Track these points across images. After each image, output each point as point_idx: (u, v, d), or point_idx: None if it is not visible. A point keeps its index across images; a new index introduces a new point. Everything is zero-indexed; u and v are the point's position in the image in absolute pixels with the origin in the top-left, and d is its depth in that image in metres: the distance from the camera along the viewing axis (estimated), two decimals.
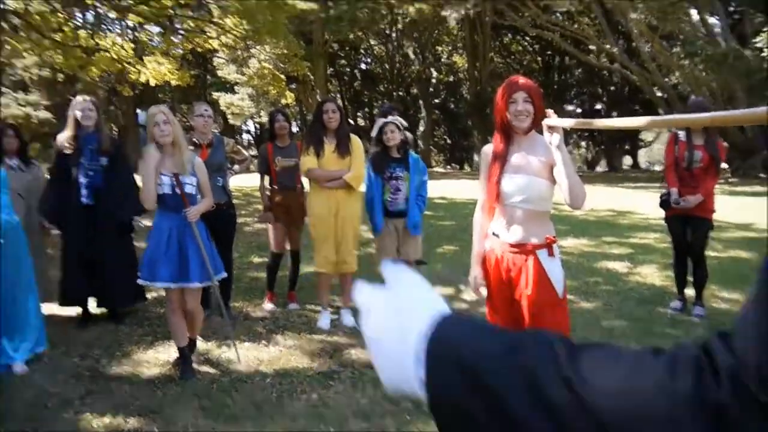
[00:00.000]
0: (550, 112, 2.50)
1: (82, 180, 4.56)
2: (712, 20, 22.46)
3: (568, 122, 2.39)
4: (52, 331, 4.39)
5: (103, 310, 4.95)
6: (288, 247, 5.32)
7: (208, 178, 3.89)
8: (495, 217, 2.80)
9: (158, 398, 3.46)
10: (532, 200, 2.64)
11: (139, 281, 3.73)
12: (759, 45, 16.37)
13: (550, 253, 2.67)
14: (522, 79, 2.70)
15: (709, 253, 5.29)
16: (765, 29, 16.18)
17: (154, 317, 4.98)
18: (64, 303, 4.78)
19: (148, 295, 5.23)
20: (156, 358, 4.05)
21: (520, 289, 2.70)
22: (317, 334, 4.56)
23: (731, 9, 26.11)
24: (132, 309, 5.06)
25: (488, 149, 2.83)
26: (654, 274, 6.41)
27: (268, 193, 5.28)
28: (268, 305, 5.18)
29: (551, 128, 2.46)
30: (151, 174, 3.56)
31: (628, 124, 2.09)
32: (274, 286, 5.32)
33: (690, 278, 5.17)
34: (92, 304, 4.89)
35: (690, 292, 5.19)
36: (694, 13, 21.25)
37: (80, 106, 4.58)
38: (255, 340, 4.39)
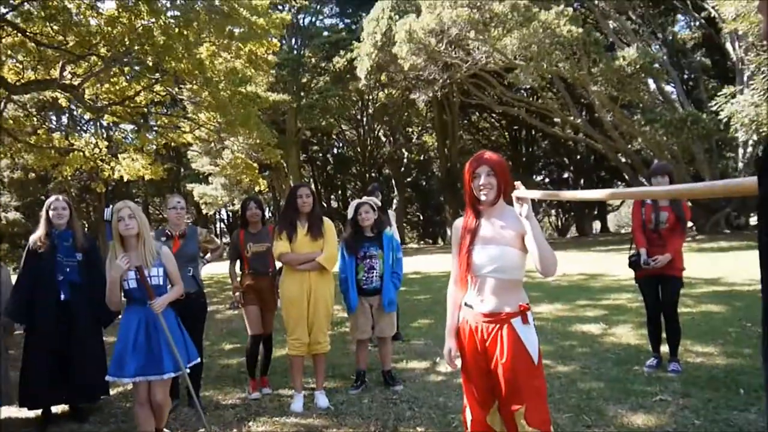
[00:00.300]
0: (518, 184, 2.57)
1: (60, 276, 4.53)
2: (669, 88, 23.51)
3: (536, 194, 2.45)
4: None
5: (65, 408, 4.78)
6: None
7: (176, 267, 3.87)
8: (468, 288, 2.82)
9: None
10: (504, 270, 2.66)
11: (107, 378, 3.67)
12: (714, 108, 17.09)
13: (525, 321, 2.67)
14: (487, 154, 2.77)
15: (681, 309, 5.32)
16: (719, 93, 16.94)
17: (119, 413, 4.81)
18: (28, 405, 4.60)
19: (114, 390, 5.09)
20: None
21: (495, 358, 2.68)
22: (291, 417, 4.44)
23: (685, 77, 27.43)
24: (97, 406, 4.90)
25: (459, 223, 2.88)
26: (629, 334, 6.40)
27: (238, 278, 5.27)
28: (254, 394, 4.98)
29: (520, 200, 2.53)
30: (114, 281, 3.58)
31: (591, 196, 2.19)
32: (255, 372, 5.18)
33: (664, 335, 5.17)
34: (55, 405, 4.72)
35: (665, 348, 5.18)
36: (651, 83, 22.25)
37: (53, 205, 4.62)
38: (226, 428, 4.25)
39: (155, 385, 3.63)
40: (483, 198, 2.72)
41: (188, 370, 3.79)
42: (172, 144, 17.92)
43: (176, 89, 15.10)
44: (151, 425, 3.70)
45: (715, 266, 11.34)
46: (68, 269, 4.57)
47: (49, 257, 4.55)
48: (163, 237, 4.82)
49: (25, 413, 4.75)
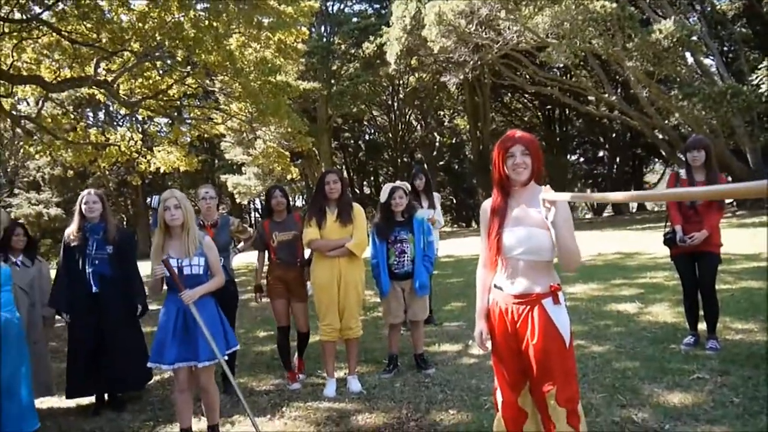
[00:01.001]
0: (546, 188, 2.54)
1: (89, 269, 4.65)
2: (708, 61, 22.83)
3: (565, 196, 2.41)
4: (52, 424, 4.37)
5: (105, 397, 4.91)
6: (295, 323, 5.24)
7: (218, 257, 3.92)
8: (498, 270, 2.79)
9: None
10: (533, 251, 2.63)
11: (149, 364, 3.73)
12: (755, 81, 16.53)
13: (556, 301, 2.64)
14: (519, 133, 2.72)
15: (719, 285, 5.20)
16: (760, 65, 16.34)
17: (156, 401, 4.91)
18: (70, 395, 4.76)
19: (151, 380, 5.21)
20: None
21: (526, 339, 2.67)
22: (323, 402, 4.48)
23: (725, 48, 26.60)
24: (136, 395, 5.02)
25: (487, 205, 2.84)
26: (665, 312, 6.29)
27: (265, 268, 5.30)
28: (294, 385, 4.99)
29: (548, 202, 2.49)
30: (154, 262, 3.67)
31: (616, 198, 2.15)
32: (291, 364, 5.20)
33: (701, 313, 5.07)
34: (89, 396, 4.87)
35: (702, 326, 5.08)
36: (689, 56, 21.63)
37: (85, 199, 4.73)
38: (260, 414, 4.32)
39: (198, 371, 3.69)
40: (516, 177, 2.68)
41: (226, 358, 3.84)
42: (206, 135, 18.18)
43: (208, 81, 15.28)
44: (189, 412, 3.75)
45: (756, 241, 11.04)
46: (97, 262, 4.66)
47: (81, 250, 4.67)
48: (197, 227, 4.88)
49: (66, 403, 4.91)
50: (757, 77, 16.27)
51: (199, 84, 15.13)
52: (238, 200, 32.29)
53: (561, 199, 2.43)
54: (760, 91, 16.37)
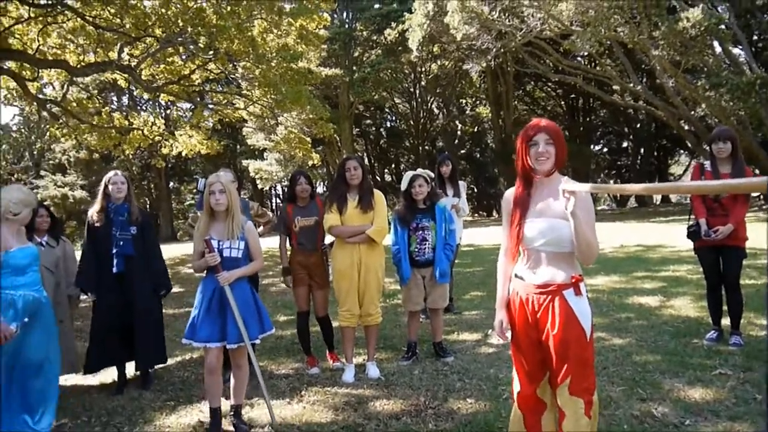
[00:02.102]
0: (566, 179, 2.51)
1: (114, 249, 4.72)
2: (736, 50, 22.37)
3: (585, 186, 2.38)
4: (76, 401, 4.45)
5: (130, 375, 5.03)
6: (314, 308, 5.26)
7: (258, 242, 3.98)
8: (519, 260, 2.78)
9: None
10: (555, 243, 2.61)
11: (183, 341, 3.80)
12: None
13: (577, 292, 2.62)
14: (543, 122, 2.68)
15: (744, 281, 5.11)
16: None
17: (177, 381, 4.99)
18: (89, 370, 4.85)
19: (172, 360, 5.29)
20: (178, 423, 4.02)
21: (546, 329, 2.65)
22: (342, 387, 4.51)
23: (754, 38, 26.03)
24: (158, 374, 5.10)
25: (509, 195, 2.82)
26: (688, 306, 6.22)
27: (288, 253, 5.31)
28: (313, 370, 5.02)
29: (568, 192, 2.46)
30: (197, 242, 3.79)
31: (632, 190, 2.11)
32: (310, 348, 5.23)
33: (725, 308, 5.00)
34: (106, 369, 4.99)
35: (726, 321, 5.01)
36: (717, 45, 21.21)
37: (112, 179, 4.79)
38: (279, 397, 4.36)
39: (233, 350, 3.77)
40: (540, 167, 2.65)
41: (258, 341, 3.89)
42: (227, 120, 18.25)
43: (230, 67, 15.32)
44: (219, 391, 3.82)
45: None
46: (122, 242, 4.73)
47: (106, 231, 4.73)
48: None
49: (89, 381, 5.01)
50: None
51: (221, 70, 15.19)
52: (260, 186, 32.47)
53: (580, 190, 2.40)
54: None
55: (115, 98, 30.84)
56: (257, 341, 3.87)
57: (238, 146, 35.27)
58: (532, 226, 2.65)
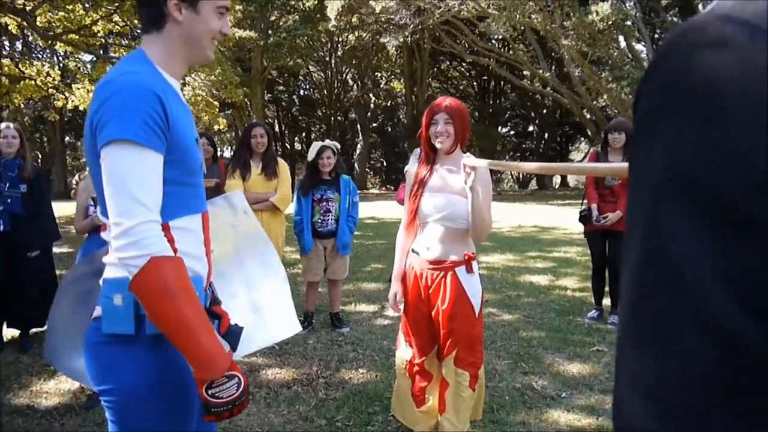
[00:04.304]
0: (467, 154, 2.56)
1: (0, 207, 4.42)
2: (639, 46, 23.52)
3: (483, 162, 2.43)
4: None
5: (14, 334, 4.79)
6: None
7: None
8: (417, 235, 2.83)
9: (56, 429, 3.29)
10: (451, 218, 2.67)
11: None
12: None
13: (469, 270, 2.71)
14: (447, 101, 2.73)
15: None
16: None
17: None
18: None
19: None
20: (57, 389, 3.85)
21: (437, 304, 2.73)
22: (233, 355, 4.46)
23: (656, 36, 27.44)
24: (39, 337, 4.86)
25: (412, 169, 2.88)
26: (574, 286, 6.58)
27: None
28: None
29: (468, 167, 2.51)
30: (80, 201, 3.64)
31: (528, 168, 2.18)
32: None
33: (607, 289, 5.31)
34: (5, 330, 4.74)
35: (607, 302, 5.34)
36: (622, 40, 22.21)
37: (3, 132, 4.47)
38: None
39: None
40: (438, 145, 2.70)
41: None
42: None
43: (136, 21, 14.52)
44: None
45: None
46: (9, 200, 4.45)
47: None
48: None
49: None
50: None
51: (125, 23, 14.36)
52: None
53: (480, 165, 2.47)
54: None
55: (7, 44, 28.62)
56: None
57: None
58: (429, 200, 2.72)
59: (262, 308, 2.01)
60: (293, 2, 28.32)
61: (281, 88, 38.43)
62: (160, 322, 1.33)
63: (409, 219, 2.84)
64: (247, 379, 1.45)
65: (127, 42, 19.05)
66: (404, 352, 2.92)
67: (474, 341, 2.77)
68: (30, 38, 24.42)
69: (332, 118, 36.74)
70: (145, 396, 1.44)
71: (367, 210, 15.43)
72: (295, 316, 2.11)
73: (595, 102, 24.05)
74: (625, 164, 1.52)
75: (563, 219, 13.36)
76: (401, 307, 2.91)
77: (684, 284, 0.44)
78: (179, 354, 1.38)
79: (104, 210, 1.40)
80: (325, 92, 36.87)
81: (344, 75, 36.24)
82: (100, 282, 1.50)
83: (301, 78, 38.32)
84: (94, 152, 1.37)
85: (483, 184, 2.61)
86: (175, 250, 1.39)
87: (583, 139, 39.01)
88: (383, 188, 38.88)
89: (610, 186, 5.08)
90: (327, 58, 35.33)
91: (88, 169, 1.57)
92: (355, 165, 32.12)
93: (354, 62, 34.21)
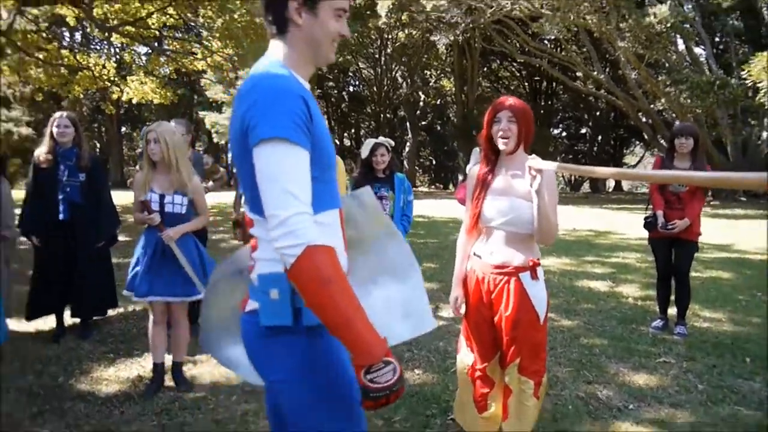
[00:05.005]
0: (533, 156, 2.44)
1: (60, 195, 4.48)
2: (698, 50, 22.81)
3: (551, 165, 2.30)
4: (11, 347, 4.23)
5: (75, 321, 4.84)
6: None
7: (204, 198, 3.82)
8: (479, 238, 2.74)
9: (116, 417, 3.30)
10: (515, 223, 2.57)
11: (124, 292, 3.67)
12: (743, 75, 16.50)
13: (534, 276, 2.60)
14: (511, 99, 2.62)
15: (690, 273, 5.20)
16: (750, 60, 16.23)
17: (117, 333, 4.80)
18: (31, 316, 4.66)
19: (113, 311, 5.12)
20: (117, 376, 3.87)
21: (500, 310, 2.63)
22: None
23: (716, 39, 26.59)
24: (98, 325, 4.92)
25: (474, 171, 2.77)
26: (635, 294, 6.32)
27: (241, 209, 5.15)
28: None
29: (534, 170, 2.38)
30: (137, 194, 3.65)
31: (604, 173, 2.04)
32: None
33: (672, 298, 5.08)
34: (67, 316, 4.80)
35: (672, 311, 5.10)
36: (680, 43, 21.58)
37: (57, 122, 4.50)
38: None
39: (173, 306, 3.67)
40: (502, 146, 2.58)
41: (201, 295, 3.74)
42: (184, 70, 17.63)
43: (190, 14, 14.73)
44: (164, 346, 3.71)
45: (728, 233, 11.22)
46: (69, 189, 4.50)
47: (52, 175, 4.47)
48: None
49: (25, 327, 4.79)
50: (747, 71, 16.21)
51: (180, 16, 14.58)
52: (215, 140, 31.69)
53: (548, 168, 2.34)
54: (746, 85, 16.38)
55: (67, 35, 29.46)
56: (200, 296, 3.71)
57: (196, 96, 34.28)
58: (492, 204, 2.61)
59: (397, 304, 2.02)
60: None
61: (331, 84, 38.63)
62: (319, 310, 1.39)
63: (472, 222, 2.72)
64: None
65: (181, 35, 19.40)
66: (465, 356, 2.81)
67: (538, 349, 2.66)
68: (88, 29, 25.08)
69: (381, 116, 36.76)
70: (308, 383, 1.53)
71: (418, 208, 15.25)
72: (430, 312, 2.09)
73: (652, 106, 23.40)
74: (698, 173, 1.38)
75: (619, 224, 13.00)
76: (462, 311, 2.81)
77: None
78: (336, 343, 1.47)
79: (254, 206, 1.53)
80: (375, 89, 36.91)
81: (394, 72, 36.19)
82: (253, 277, 1.58)
83: (350, 74, 38.48)
84: (244, 152, 1.47)
85: (549, 188, 2.49)
86: None
87: (638, 142, 38.11)
88: (432, 186, 38.77)
89: (676, 192, 4.85)
90: (377, 55, 35.35)
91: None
92: (404, 163, 32.02)
93: (404, 60, 34.11)
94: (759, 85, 13.87)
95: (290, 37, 1.57)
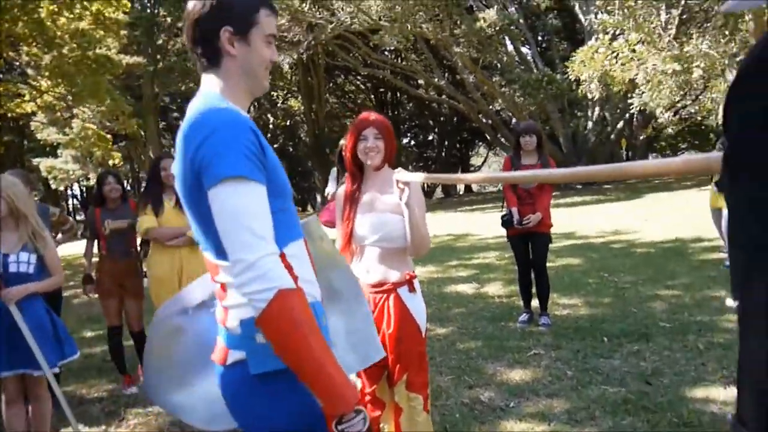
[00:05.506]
0: (399, 169, 2.48)
1: None
2: (525, 49, 24.59)
3: (419, 176, 2.36)
4: None
5: None
6: (127, 322, 4.78)
7: (56, 255, 3.46)
8: (354, 258, 2.73)
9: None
10: (387, 238, 2.59)
11: None
12: (567, 71, 17.88)
13: (411, 289, 2.64)
14: (372, 116, 2.66)
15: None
16: (572, 56, 17.55)
17: None
18: None
19: None
20: None
21: (382, 329, 2.63)
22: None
23: (539, 38, 28.78)
24: None
25: (341, 191, 2.77)
26: (499, 292, 6.66)
27: (95, 260, 4.81)
28: (131, 389, 4.54)
29: (402, 183, 2.43)
30: None
31: (471, 179, 2.12)
32: (125, 366, 4.72)
33: (533, 290, 5.40)
34: None
35: (535, 303, 5.42)
36: (509, 44, 23.13)
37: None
38: (93, 424, 3.93)
39: (30, 378, 3.28)
40: (369, 162, 2.61)
41: (57, 370, 3.39)
42: (11, 114, 16.23)
43: (11, 53, 13.62)
44: (22, 425, 3.34)
45: (570, 221, 12.12)
46: None
47: None
48: None
49: None
50: (569, 67, 17.60)
51: (1, 55, 13.44)
52: (53, 186, 29.36)
53: (415, 180, 2.41)
54: (570, 79, 17.84)
55: None
56: (56, 369, 3.38)
57: (26, 142, 31.60)
58: (363, 221, 2.63)
59: (346, 335, 1.99)
60: (180, 24, 27.47)
61: (176, 114, 37.22)
62: (292, 355, 1.32)
63: (344, 243, 2.73)
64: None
65: (2, 75, 17.80)
66: (356, 380, 2.80)
67: (422, 361, 2.71)
68: None
69: None
70: (310, 426, 1.46)
71: None
72: (379, 341, 2.09)
73: (490, 107, 24.88)
74: (576, 169, 1.48)
75: (475, 225, 13.64)
76: None
77: None
78: None
79: (219, 252, 1.40)
80: None
81: None
82: (231, 326, 1.46)
83: None
84: (198, 195, 1.38)
85: (417, 200, 2.55)
86: (295, 278, 1.37)
87: (481, 143, 40.20)
88: None
89: (527, 188, 5.18)
90: None
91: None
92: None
93: None
94: (581, 77, 15.20)
95: (224, 68, 1.51)
